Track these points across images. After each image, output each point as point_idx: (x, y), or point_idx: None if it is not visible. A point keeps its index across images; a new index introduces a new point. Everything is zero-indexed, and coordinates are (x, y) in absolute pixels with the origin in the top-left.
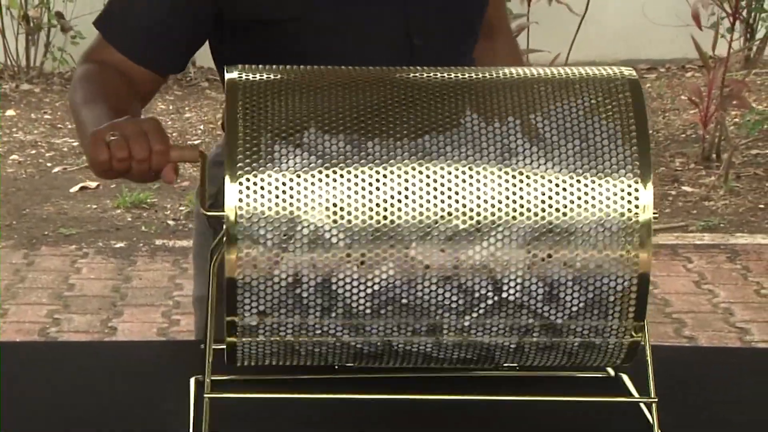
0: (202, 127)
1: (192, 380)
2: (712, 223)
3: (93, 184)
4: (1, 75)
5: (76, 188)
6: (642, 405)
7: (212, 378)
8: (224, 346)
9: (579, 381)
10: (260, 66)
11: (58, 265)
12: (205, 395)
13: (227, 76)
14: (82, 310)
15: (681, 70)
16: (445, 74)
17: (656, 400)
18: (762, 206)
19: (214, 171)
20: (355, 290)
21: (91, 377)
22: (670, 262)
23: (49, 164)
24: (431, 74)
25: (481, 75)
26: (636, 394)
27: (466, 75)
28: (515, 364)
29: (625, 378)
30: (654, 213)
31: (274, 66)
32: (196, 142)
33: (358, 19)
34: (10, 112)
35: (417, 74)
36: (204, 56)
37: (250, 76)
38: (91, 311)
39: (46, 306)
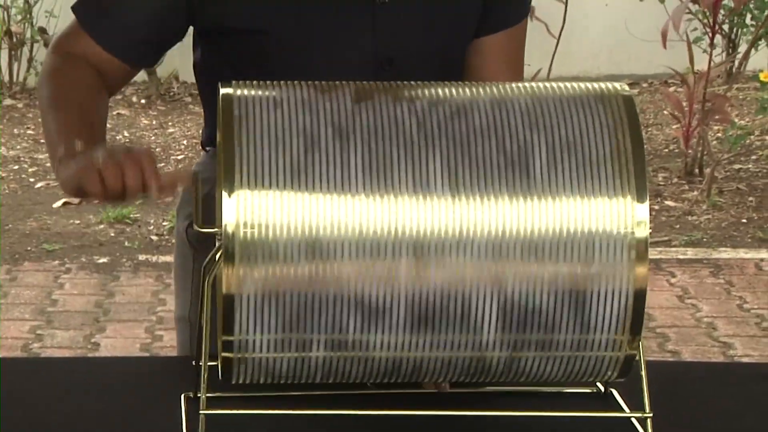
0: (185, 142)
1: (182, 396)
2: (695, 238)
3: (76, 200)
4: None
5: (59, 203)
6: (634, 420)
7: (207, 395)
8: (217, 363)
9: (569, 396)
10: (255, 82)
11: (41, 280)
12: (201, 412)
13: (222, 90)
14: (65, 326)
15: (663, 85)
16: (433, 90)
17: (651, 415)
18: (744, 221)
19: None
20: (349, 307)
21: (74, 393)
22: (653, 277)
23: (32, 179)
24: (419, 90)
25: (469, 90)
26: (627, 410)
27: (454, 90)
28: (509, 378)
29: (615, 393)
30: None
31: (269, 82)
32: (179, 157)
33: (325, 38)
34: None
35: (405, 90)
36: (187, 72)
37: (250, 93)
38: (74, 327)
39: (29, 322)
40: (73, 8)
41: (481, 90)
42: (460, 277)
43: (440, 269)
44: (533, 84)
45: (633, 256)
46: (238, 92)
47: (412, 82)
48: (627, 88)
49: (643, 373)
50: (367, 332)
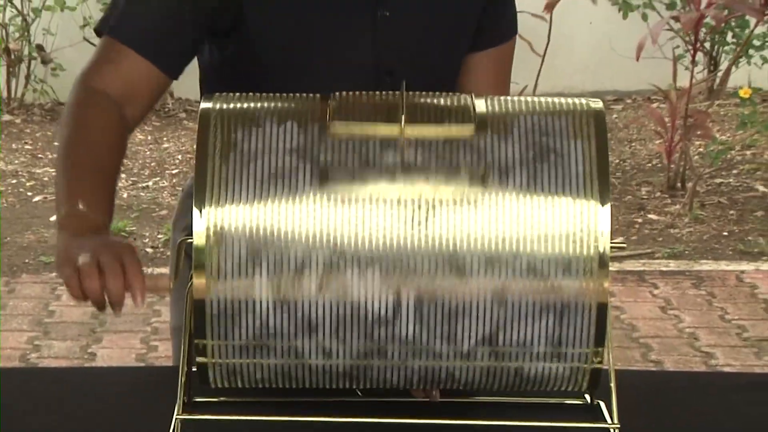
0: (180, 156)
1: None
2: (678, 250)
3: None
4: None
5: (56, 217)
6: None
7: (194, 399)
8: (195, 369)
9: (555, 407)
10: (234, 95)
11: (39, 292)
12: (176, 416)
13: (202, 105)
14: (62, 337)
15: (647, 101)
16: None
17: (618, 426)
18: (726, 233)
19: (189, 202)
20: (316, 313)
21: (70, 402)
22: (636, 288)
23: (29, 193)
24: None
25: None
26: (609, 420)
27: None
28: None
29: (602, 404)
30: (617, 242)
31: (248, 95)
32: (174, 171)
33: (328, 49)
34: None
35: (386, 101)
36: (181, 87)
37: (224, 106)
38: (70, 337)
39: (27, 332)
40: (100, 28)
41: (472, 102)
42: (424, 288)
43: (401, 279)
44: (513, 98)
45: (595, 272)
46: (216, 106)
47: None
48: (600, 103)
49: (612, 384)
50: (330, 340)
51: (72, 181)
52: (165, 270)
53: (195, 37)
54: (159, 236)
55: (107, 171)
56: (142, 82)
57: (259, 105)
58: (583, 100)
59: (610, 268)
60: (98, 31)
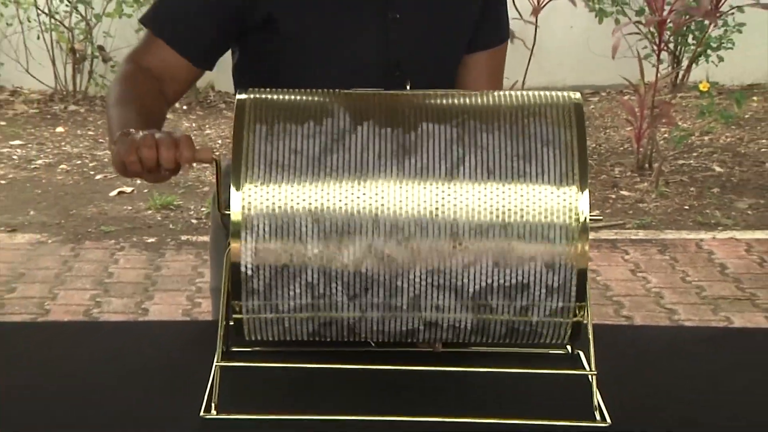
0: (219, 141)
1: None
2: (646, 222)
3: (129, 189)
4: (53, 98)
5: (114, 192)
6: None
7: (232, 349)
8: (232, 323)
9: (541, 356)
10: (266, 89)
11: (100, 256)
12: (216, 364)
13: (237, 96)
14: (120, 295)
15: (619, 94)
16: (419, 100)
17: (596, 372)
18: (687, 207)
19: (226, 180)
20: (336, 274)
21: (126, 351)
22: (610, 254)
23: (92, 172)
24: (410, 98)
25: (452, 99)
26: (588, 367)
27: (434, 100)
28: (480, 338)
29: (582, 354)
30: (594, 215)
31: (278, 89)
32: (215, 154)
33: (345, 46)
34: (59, 129)
35: (395, 98)
36: (221, 82)
37: (257, 98)
38: (127, 295)
39: (90, 291)
40: (142, 20)
41: (465, 97)
42: (437, 255)
43: (418, 245)
44: (502, 92)
45: (576, 240)
46: (251, 97)
47: (404, 93)
48: (579, 96)
49: (590, 336)
50: (349, 299)
51: (124, 118)
52: (207, 238)
53: (223, 35)
54: (202, 209)
55: (155, 114)
56: (174, 69)
57: (287, 97)
58: (565, 94)
59: (589, 237)
60: (142, 22)
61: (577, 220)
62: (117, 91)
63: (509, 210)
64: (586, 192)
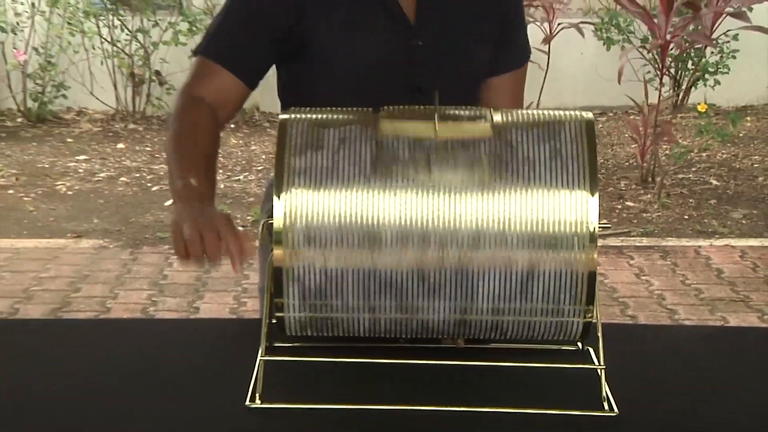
0: (264, 156)
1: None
2: (649, 230)
3: None
4: (114, 118)
5: (169, 202)
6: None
7: (274, 345)
8: (275, 321)
9: (554, 352)
10: (305, 108)
11: (156, 260)
12: (260, 358)
13: (280, 116)
14: (173, 294)
15: (625, 114)
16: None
17: (604, 366)
18: (686, 217)
19: (270, 191)
20: (369, 278)
21: (178, 345)
22: (616, 259)
23: (149, 184)
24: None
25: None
26: (597, 362)
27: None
28: (496, 337)
29: (591, 351)
30: (603, 223)
31: (315, 108)
32: (259, 168)
33: (373, 70)
34: (120, 146)
35: (424, 114)
36: (265, 103)
37: (297, 116)
38: (179, 295)
39: (146, 291)
40: (201, 50)
41: (490, 113)
42: (465, 259)
43: (442, 252)
44: (518, 111)
45: (586, 243)
46: (293, 117)
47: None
48: (590, 114)
49: (600, 334)
50: (380, 299)
51: (183, 162)
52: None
53: (268, 57)
54: (248, 217)
55: (209, 155)
56: (228, 91)
57: (323, 116)
58: (577, 113)
59: (598, 244)
60: (195, 53)
61: (588, 228)
62: (176, 127)
63: (527, 219)
64: (596, 202)
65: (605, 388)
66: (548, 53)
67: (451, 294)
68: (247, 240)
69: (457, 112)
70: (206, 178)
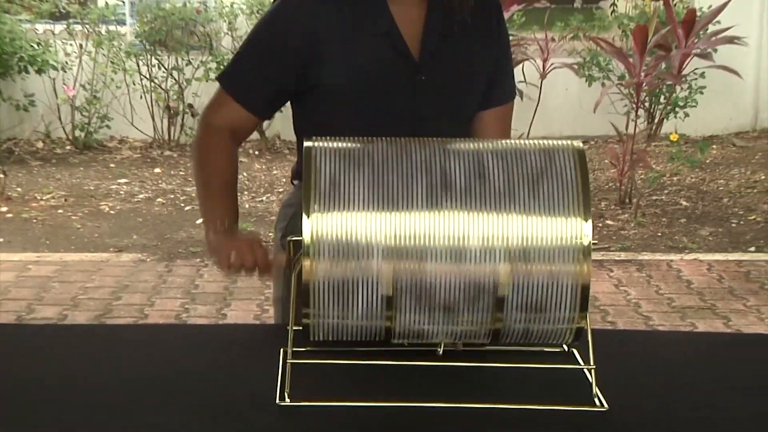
0: (284, 180)
1: (281, 351)
2: (626, 246)
3: None
4: (152, 145)
5: (200, 221)
6: (585, 371)
7: (298, 349)
8: (299, 328)
9: (546, 353)
10: (329, 137)
11: (188, 272)
12: (289, 361)
13: (306, 144)
14: (204, 303)
15: (605, 143)
16: (450, 145)
17: (594, 366)
18: (659, 234)
19: (285, 210)
20: (383, 290)
21: (208, 347)
22: (597, 272)
23: (182, 204)
24: (442, 144)
25: (475, 145)
26: (582, 363)
27: (462, 145)
28: (501, 341)
29: (576, 352)
30: (594, 241)
31: (337, 137)
32: (280, 189)
33: (380, 102)
34: (157, 170)
35: (432, 145)
36: (285, 132)
37: (321, 144)
38: (209, 303)
39: (180, 299)
40: (218, 78)
41: (483, 143)
42: (472, 273)
43: (453, 267)
44: (518, 140)
45: (581, 259)
46: (317, 144)
47: (438, 138)
48: (581, 144)
49: (590, 338)
50: (394, 311)
51: (208, 190)
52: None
53: (280, 91)
54: (269, 234)
55: (227, 179)
56: (240, 120)
57: (344, 144)
58: (570, 142)
59: (591, 259)
60: (217, 78)
61: (582, 244)
62: (198, 155)
63: (528, 236)
64: (590, 222)
65: (595, 387)
66: (540, 88)
67: (462, 306)
68: (274, 257)
69: (459, 141)
70: (229, 202)
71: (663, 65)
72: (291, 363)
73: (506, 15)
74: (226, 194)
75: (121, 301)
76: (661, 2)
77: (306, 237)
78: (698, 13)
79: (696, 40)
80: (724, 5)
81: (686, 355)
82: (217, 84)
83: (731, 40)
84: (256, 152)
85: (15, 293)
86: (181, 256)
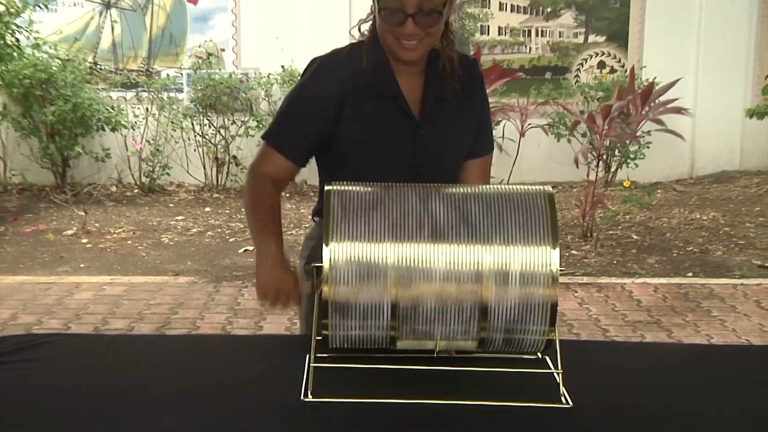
0: (309, 217)
1: (306, 357)
2: (588, 271)
3: (251, 248)
4: (203, 189)
5: (242, 250)
6: (556, 375)
7: (320, 355)
8: (320, 338)
9: (522, 360)
10: (345, 182)
11: (232, 292)
12: (312, 365)
13: (326, 187)
14: (244, 317)
15: (571, 188)
16: (442, 190)
17: (562, 371)
18: (615, 262)
19: (308, 242)
20: (390, 309)
21: (247, 354)
22: (564, 292)
23: (227, 237)
24: (436, 188)
25: (466, 190)
26: (552, 368)
27: (453, 189)
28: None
29: (548, 359)
30: (559, 268)
31: (352, 182)
32: (305, 226)
33: (384, 152)
34: (207, 209)
35: (428, 190)
36: (311, 178)
37: (338, 188)
38: (249, 317)
39: (225, 314)
40: (265, 137)
41: (470, 188)
42: (458, 293)
43: (451, 288)
44: (499, 185)
45: (551, 282)
46: (336, 188)
47: (433, 184)
48: (550, 188)
49: (558, 347)
50: (400, 325)
51: (260, 230)
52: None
53: (313, 143)
54: (297, 261)
55: (274, 216)
56: (284, 169)
57: (357, 188)
58: (541, 187)
59: (559, 282)
60: (263, 137)
61: (551, 270)
62: (249, 201)
63: (506, 263)
64: (557, 251)
65: (562, 387)
66: (518, 144)
67: (454, 322)
68: (301, 288)
69: (451, 186)
70: (276, 238)
71: (622, 126)
72: (314, 366)
73: (492, 87)
74: (274, 228)
75: (178, 316)
76: (615, 76)
77: (325, 264)
78: (640, 84)
79: (647, 108)
80: (674, 83)
81: (637, 361)
82: (255, 140)
83: (678, 110)
84: (287, 194)
85: (92, 309)
86: (226, 278)
